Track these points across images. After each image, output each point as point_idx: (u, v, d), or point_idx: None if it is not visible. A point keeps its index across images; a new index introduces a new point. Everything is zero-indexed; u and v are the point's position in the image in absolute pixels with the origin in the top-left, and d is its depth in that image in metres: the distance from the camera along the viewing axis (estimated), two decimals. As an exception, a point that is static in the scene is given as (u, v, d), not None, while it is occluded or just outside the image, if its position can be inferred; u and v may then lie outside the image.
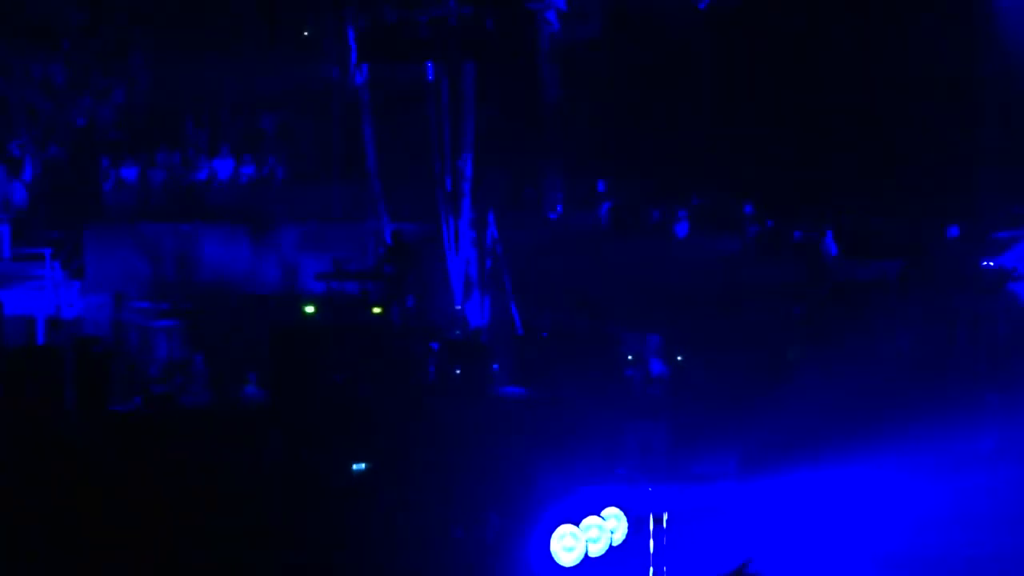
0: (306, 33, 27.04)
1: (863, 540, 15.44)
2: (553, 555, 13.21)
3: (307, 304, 23.51)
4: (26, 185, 27.16)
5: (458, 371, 22.49)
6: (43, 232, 26.71)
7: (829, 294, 20.50)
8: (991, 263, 20.96)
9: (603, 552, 13.51)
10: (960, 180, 22.20)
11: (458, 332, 23.46)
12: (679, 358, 21.73)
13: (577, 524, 13.36)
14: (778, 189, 22.73)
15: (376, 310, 23.15)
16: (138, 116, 25.73)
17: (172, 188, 26.84)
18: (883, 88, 22.07)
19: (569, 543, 13.32)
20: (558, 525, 13.36)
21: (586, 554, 13.30)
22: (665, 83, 23.62)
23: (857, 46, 23.10)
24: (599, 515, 13.58)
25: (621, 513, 13.69)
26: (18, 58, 25.43)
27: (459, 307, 24.68)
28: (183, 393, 23.12)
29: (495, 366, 22.19)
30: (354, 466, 17.60)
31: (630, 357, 21.91)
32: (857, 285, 20.64)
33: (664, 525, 13.88)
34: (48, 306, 25.74)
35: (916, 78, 22.21)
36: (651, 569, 13.47)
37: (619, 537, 13.64)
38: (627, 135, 23.76)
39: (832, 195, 22.13)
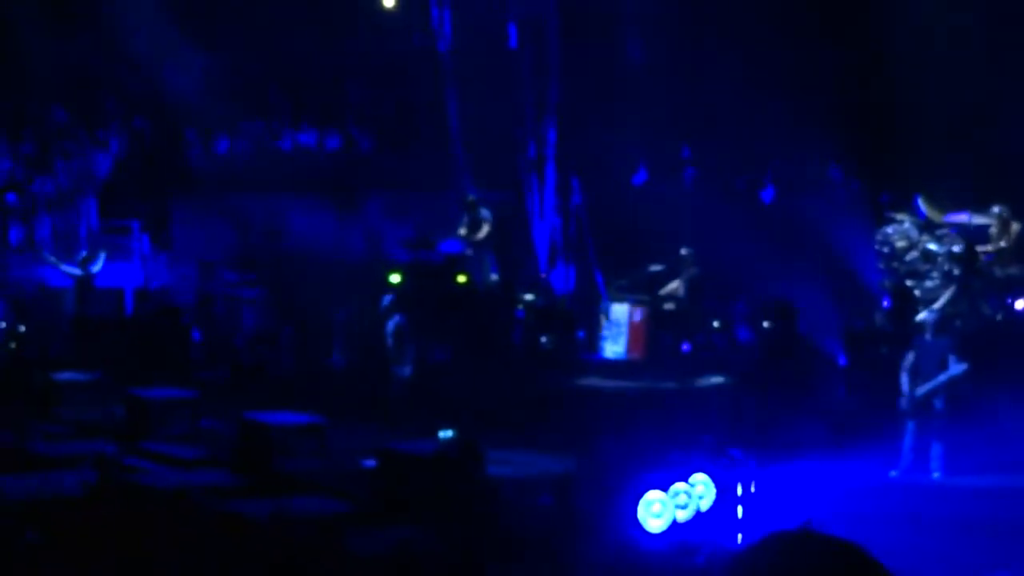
0: (389, 1, 27.00)
1: (949, 506, 15.25)
2: (640, 521, 13.12)
3: (393, 273, 23.57)
4: (113, 157, 27.42)
5: (544, 339, 22.49)
6: (131, 204, 27.00)
7: (919, 258, 20.24)
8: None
9: (690, 518, 13.39)
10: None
11: (543, 299, 23.43)
12: (765, 324, 21.54)
13: (665, 490, 13.25)
14: (865, 151, 22.47)
15: (461, 279, 23.16)
16: (223, 87, 25.82)
17: (258, 158, 26.98)
18: (975, 46, 21.67)
19: (657, 509, 13.21)
20: (646, 491, 13.26)
21: (674, 520, 13.20)
22: (748, 45, 23.36)
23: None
24: (687, 481, 13.46)
25: (709, 479, 13.55)
26: (102, 31, 25.60)
27: (544, 274, 24.66)
28: (269, 363, 23.31)
29: (580, 333, 22.14)
30: (440, 433, 17.62)
31: (716, 324, 21.77)
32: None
33: (752, 491, 13.73)
34: (136, 277, 26.04)
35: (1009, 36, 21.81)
36: (739, 535, 13.33)
37: (707, 503, 13.51)
38: (711, 99, 23.56)
39: (920, 157, 21.81)
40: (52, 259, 22.36)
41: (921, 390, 16.03)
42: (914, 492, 15.55)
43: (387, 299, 18.69)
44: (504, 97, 25.27)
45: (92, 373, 21.40)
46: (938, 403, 16.14)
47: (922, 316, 16.72)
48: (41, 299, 24.47)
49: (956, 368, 15.96)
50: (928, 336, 16.22)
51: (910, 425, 16.15)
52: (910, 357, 16.21)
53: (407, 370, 18.31)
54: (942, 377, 15.98)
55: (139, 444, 18.17)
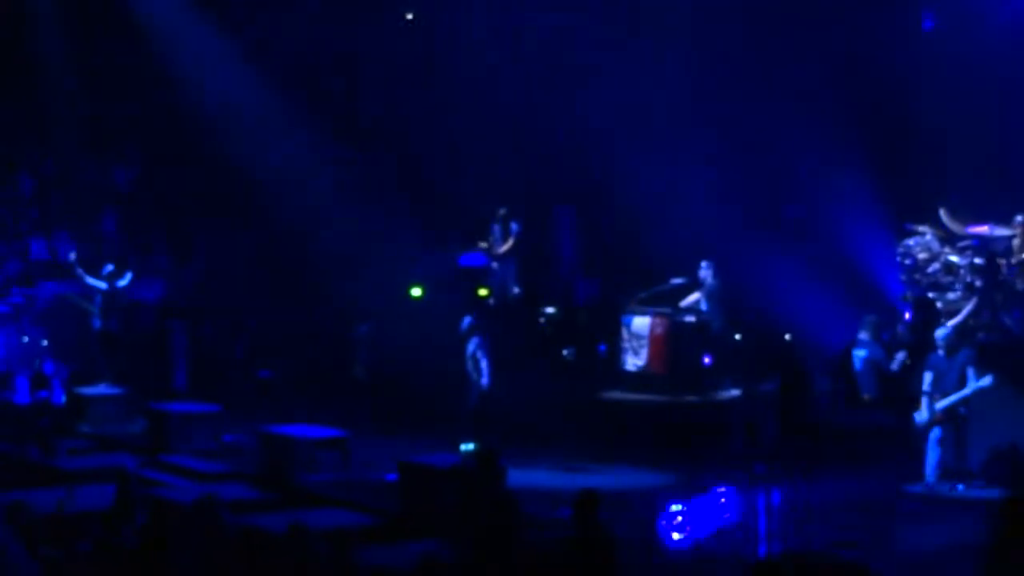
0: (410, 16, 27.05)
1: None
2: (664, 534, 13.15)
3: (414, 286, 23.64)
4: (135, 171, 27.48)
5: (565, 352, 22.47)
6: (153, 218, 27.09)
7: (941, 270, 20.18)
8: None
9: (713, 531, 13.40)
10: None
11: (565, 312, 23.44)
12: (787, 336, 21.54)
13: (687, 503, 13.29)
14: (886, 163, 22.37)
15: (482, 292, 23.19)
16: (246, 99, 25.79)
17: (279, 171, 26.87)
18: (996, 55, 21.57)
19: (679, 522, 13.24)
20: (668, 504, 13.31)
21: (696, 533, 13.22)
22: (769, 59, 23.32)
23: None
24: (709, 495, 13.50)
25: (731, 493, 13.58)
26: (122, 44, 25.66)
27: (565, 287, 24.67)
28: (292, 376, 23.37)
29: (601, 346, 22.12)
30: (462, 446, 17.67)
31: (737, 336, 21.73)
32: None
33: (774, 505, 13.73)
34: (159, 292, 26.15)
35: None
36: (761, 550, 13.33)
37: (728, 517, 13.52)
38: (732, 112, 23.50)
39: (941, 168, 21.74)
40: (78, 273, 22.44)
41: (941, 404, 15.97)
42: (934, 505, 15.53)
43: (467, 321, 18.91)
44: (526, 109, 25.31)
45: (116, 387, 21.53)
46: (960, 417, 16.09)
47: (937, 332, 16.64)
48: (65, 314, 24.58)
49: (984, 380, 15.88)
50: (942, 352, 16.14)
51: (931, 438, 16.10)
52: (928, 377, 16.13)
53: (484, 381, 18.52)
54: (966, 391, 15.91)
55: (161, 458, 18.27)
